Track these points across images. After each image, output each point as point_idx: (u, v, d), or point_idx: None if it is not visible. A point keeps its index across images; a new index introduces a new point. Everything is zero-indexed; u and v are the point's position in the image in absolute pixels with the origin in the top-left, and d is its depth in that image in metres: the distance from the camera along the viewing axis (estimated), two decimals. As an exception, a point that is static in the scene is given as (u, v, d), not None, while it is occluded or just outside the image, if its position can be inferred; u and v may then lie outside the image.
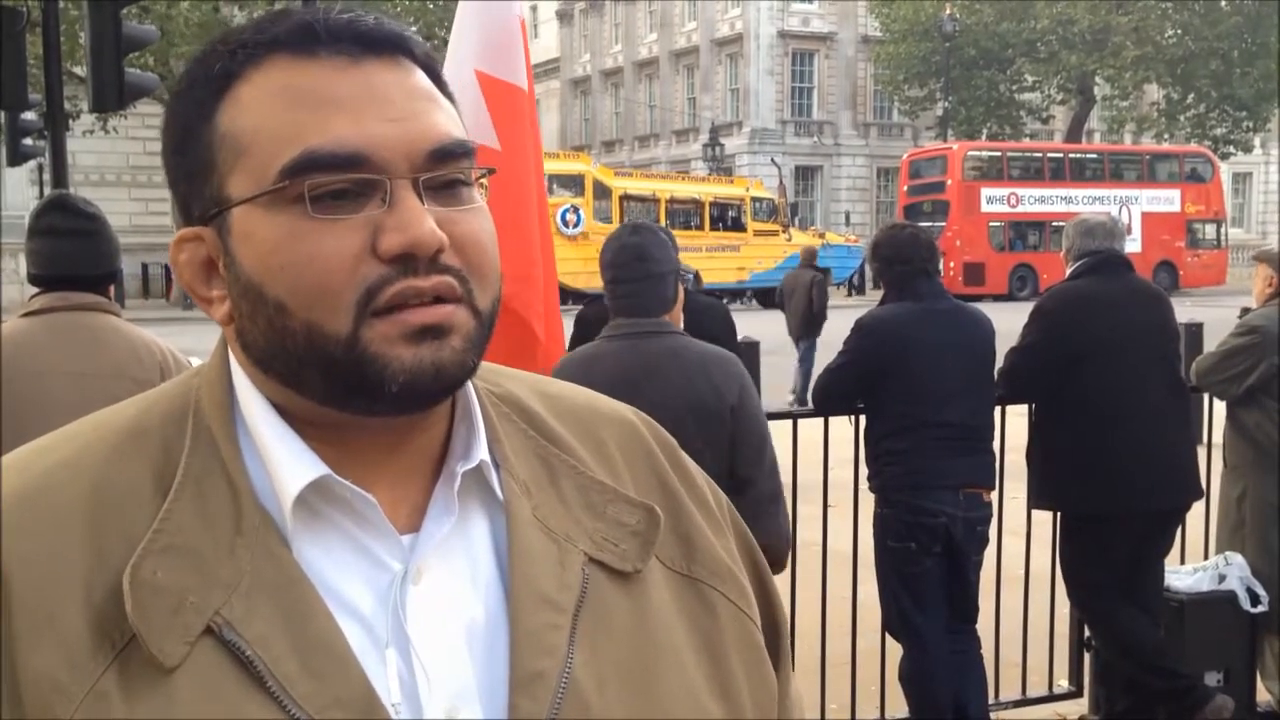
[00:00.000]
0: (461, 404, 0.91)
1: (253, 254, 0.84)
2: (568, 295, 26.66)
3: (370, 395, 0.83)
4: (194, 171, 0.87)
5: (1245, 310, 5.59)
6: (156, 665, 0.77)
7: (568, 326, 4.36)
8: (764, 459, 3.01)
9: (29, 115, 12.79)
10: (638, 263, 3.09)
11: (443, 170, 0.85)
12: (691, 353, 3.05)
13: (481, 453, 0.90)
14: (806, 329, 13.27)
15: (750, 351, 8.31)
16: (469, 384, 0.91)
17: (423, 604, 0.84)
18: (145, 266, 32.60)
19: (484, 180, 0.90)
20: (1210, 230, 34.82)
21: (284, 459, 0.85)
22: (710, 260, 26.83)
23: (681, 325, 3.23)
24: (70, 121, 17.19)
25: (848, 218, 42.75)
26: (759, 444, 3.01)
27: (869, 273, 31.52)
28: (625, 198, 28.72)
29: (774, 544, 2.97)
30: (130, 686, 0.77)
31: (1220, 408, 4.81)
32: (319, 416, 0.86)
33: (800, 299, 13.29)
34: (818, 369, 6.14)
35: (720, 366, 3.04)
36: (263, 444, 0.86)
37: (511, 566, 0.87)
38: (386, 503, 0.86)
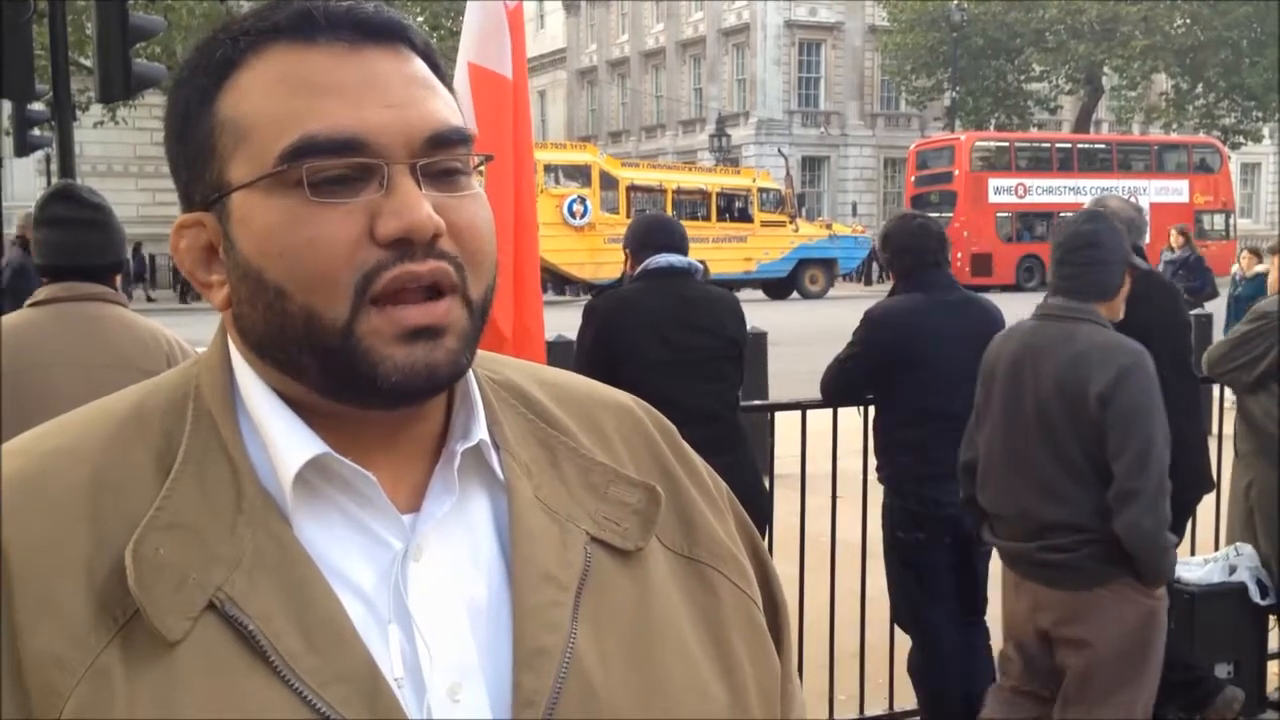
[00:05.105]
0: (461, 388, 0.92)
1: (252, 238, 0.84)
2: (578, 287, 26.69)
3: (362, 391, 0.84)
4: (195, 157, 0.88)
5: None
6: (159, 640, 0.77)
7: (573, 316, 4.34)
8: (1123, 454, 3.14)
9: (36, 106, 12.82)
10: (1086, 249, 3.30)
11: (440, 156, 0.85)
12: (1080, 341, 3.23)
13: (481, 432, 0.90)
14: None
15: (758, 342, 8.31)
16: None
17: (424, 581, 0.85)
18: (153, 258, 32.67)
19: (482, 168, 0.90)
20: (1219, 221, 34.69)
21: (284, 438, 0.85)
22: (717, 251, 26.74)
23: (1120, 314, 3.39)
24: (78, 112, 17.20)
25: (855, 208, 42.64)
26: (1121, 438, 3.15)
27: (876, 263, 31.50)
28: (632, 188, 28.64)
29: (1123, 537, 3.13)
30: (132, 662, 0.77)
31: (1231, 398, 4.79)
32: (317, 403, 0.87)
33: None
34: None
35: (1101, 356, 3.19)
36: (262, 425, 0.86)
37: (513, 545, 0.88)
38: (386, 484, 0.86)
